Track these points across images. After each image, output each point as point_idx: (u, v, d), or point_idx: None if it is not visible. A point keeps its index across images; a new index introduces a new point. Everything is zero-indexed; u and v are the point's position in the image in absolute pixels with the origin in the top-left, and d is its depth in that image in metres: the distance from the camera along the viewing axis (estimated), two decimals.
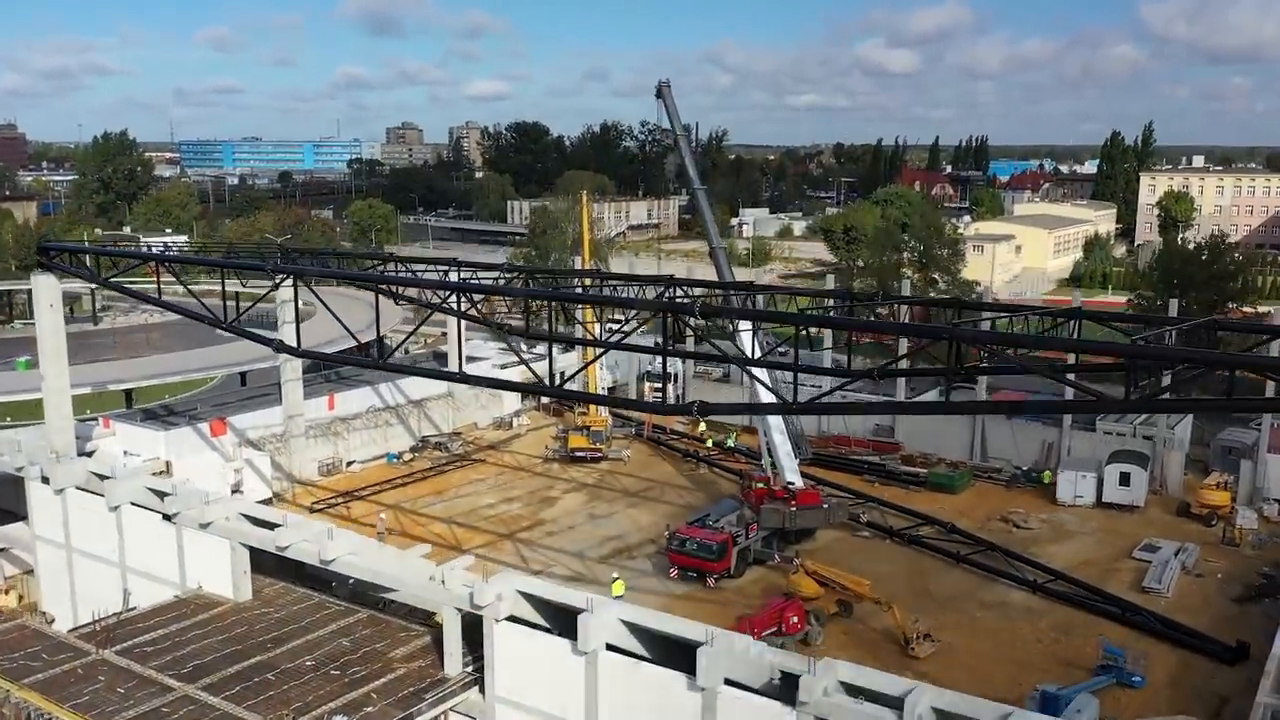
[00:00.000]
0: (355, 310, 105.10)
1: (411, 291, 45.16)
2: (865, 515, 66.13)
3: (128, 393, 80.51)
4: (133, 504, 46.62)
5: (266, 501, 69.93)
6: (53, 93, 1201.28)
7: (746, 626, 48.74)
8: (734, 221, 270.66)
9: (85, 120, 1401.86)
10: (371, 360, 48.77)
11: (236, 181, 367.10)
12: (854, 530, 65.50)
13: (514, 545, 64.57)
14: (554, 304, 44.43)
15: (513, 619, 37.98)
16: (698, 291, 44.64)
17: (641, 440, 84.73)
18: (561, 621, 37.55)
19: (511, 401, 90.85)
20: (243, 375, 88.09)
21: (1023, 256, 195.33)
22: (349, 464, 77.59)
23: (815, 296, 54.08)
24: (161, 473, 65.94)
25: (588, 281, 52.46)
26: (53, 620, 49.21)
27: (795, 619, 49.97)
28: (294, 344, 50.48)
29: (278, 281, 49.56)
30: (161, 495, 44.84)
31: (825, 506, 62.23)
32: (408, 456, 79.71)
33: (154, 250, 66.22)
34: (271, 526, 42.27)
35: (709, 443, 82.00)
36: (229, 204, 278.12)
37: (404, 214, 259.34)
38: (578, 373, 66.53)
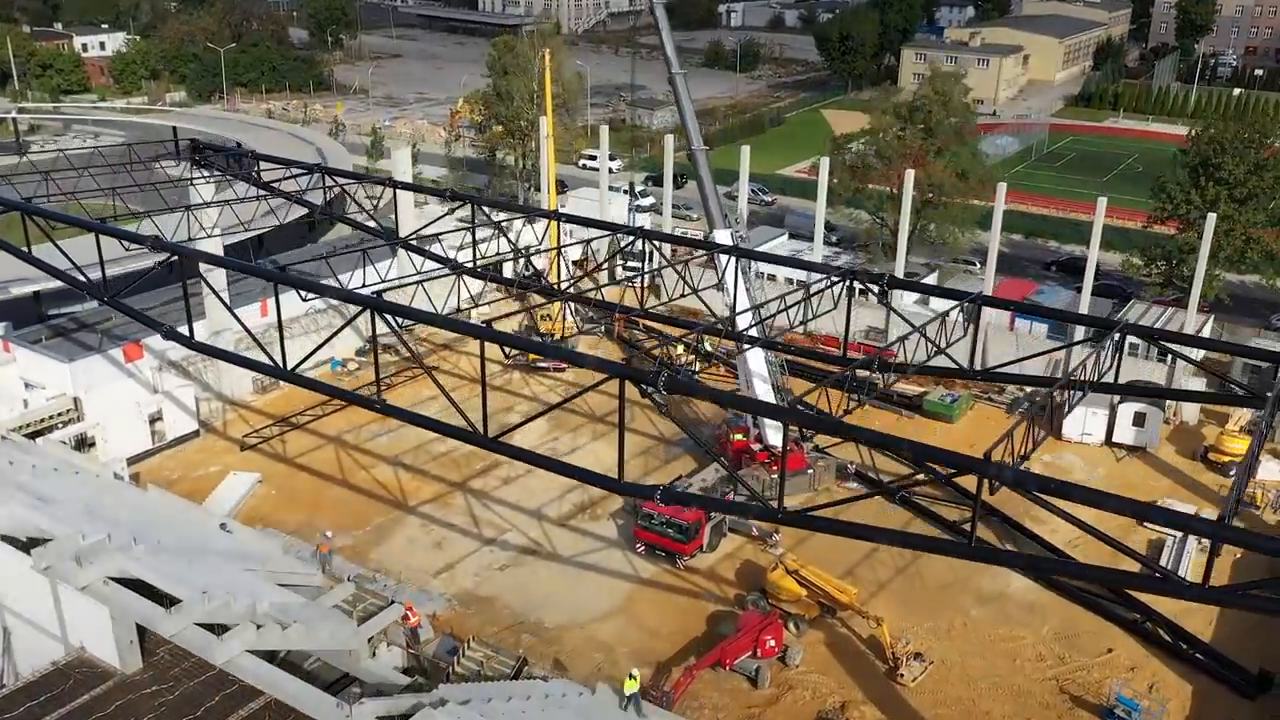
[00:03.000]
0: (296, 157, 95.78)
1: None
2: (854, 466, 60.05)
3: (37, 293, 71.98)
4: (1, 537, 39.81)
5: (193, 434, 63.55)
6: None
7: (717, 657, 43.51)
8: (721, 8, 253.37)
9: None
10: (279, 370, 40.88)
11: None
12: (841, 481, 59.61)
13: (465, 499, 58.54)
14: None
15: None
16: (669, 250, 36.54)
17: (612, 341, 77.65)
18: None
19: (472, 285, 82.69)
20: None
21: (1030, 68, 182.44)
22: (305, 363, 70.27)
23: (819, 271, 46.20)
24: (70, 411, 59.10)
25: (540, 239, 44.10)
26: None
27: (772, 641, 44.59)
28: (187, 332, 42.51)
29: (158, 263, 41.27)
30: (32, 544, 37.92)
31: (810, 471, 56.08)
32: (353, 365, 72.49)
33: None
34: (162, 598, 35.61)
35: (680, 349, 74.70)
36: None
37: None
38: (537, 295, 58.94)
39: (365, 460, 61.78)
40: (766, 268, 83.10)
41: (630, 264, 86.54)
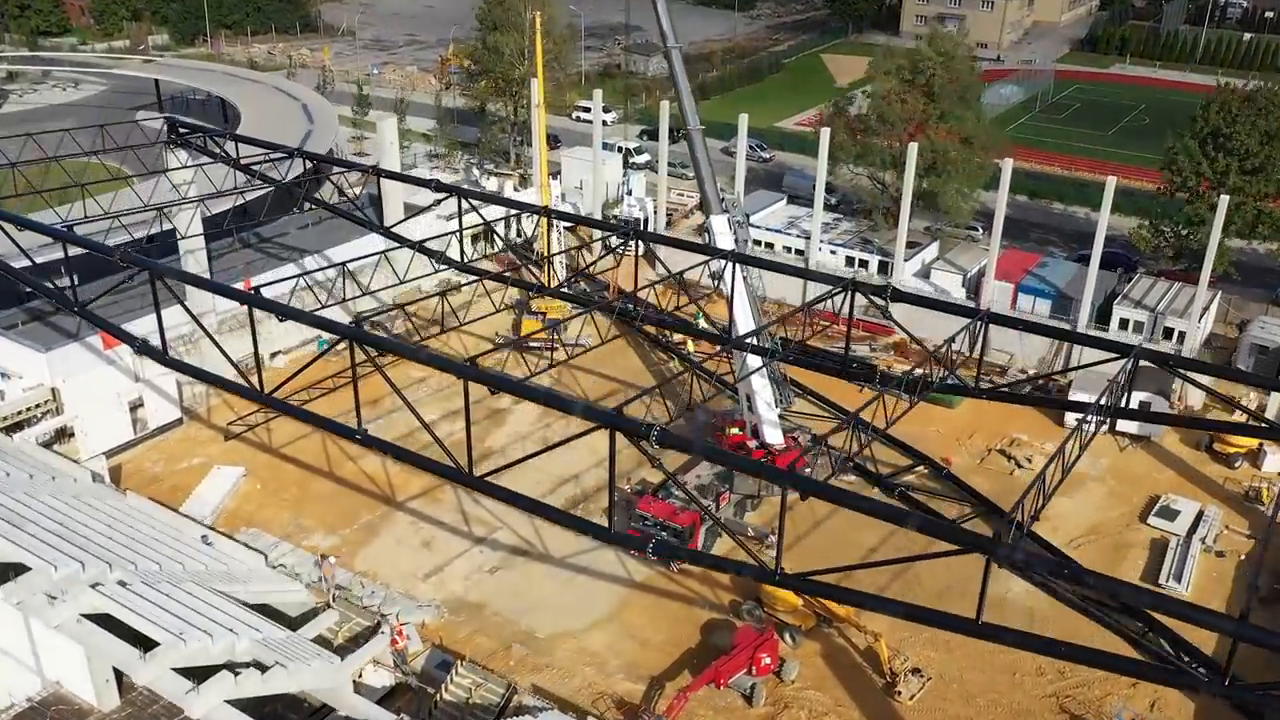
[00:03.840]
0: (281, 119, 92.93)
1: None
2: (850, 460, 58.61)
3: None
4: None
5: (176, 423, 62.04)
6: None
7: (711, 677, 42.59)
8: None
9: None
10: (255, 393, 39.24)
11: None
12: (839, 474, 58.28)
13: (455, 493, 57.27)
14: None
15: None
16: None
17: (606, 317, 75.71)
18: None
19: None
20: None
21: (1035, 9, 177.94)
22: (273, 356, 68.75)
23: (821, 281, 44.33)
24: (48, 402, 57.51)
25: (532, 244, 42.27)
26: None
27: (767, 659, 43.64)
28: (159, 346, 40.80)
29: (128, 275, 39.48)
30: (5, 570, 36.71)
31: (806, 470, 54.60)
32: (341, 345, 70.60)
33: None
34: (140, 641, 34.42)
35: (689, 345, 72.77)
36: None
37: None
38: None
39: (353, 449, 60.31)
40: (764, 233, 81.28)
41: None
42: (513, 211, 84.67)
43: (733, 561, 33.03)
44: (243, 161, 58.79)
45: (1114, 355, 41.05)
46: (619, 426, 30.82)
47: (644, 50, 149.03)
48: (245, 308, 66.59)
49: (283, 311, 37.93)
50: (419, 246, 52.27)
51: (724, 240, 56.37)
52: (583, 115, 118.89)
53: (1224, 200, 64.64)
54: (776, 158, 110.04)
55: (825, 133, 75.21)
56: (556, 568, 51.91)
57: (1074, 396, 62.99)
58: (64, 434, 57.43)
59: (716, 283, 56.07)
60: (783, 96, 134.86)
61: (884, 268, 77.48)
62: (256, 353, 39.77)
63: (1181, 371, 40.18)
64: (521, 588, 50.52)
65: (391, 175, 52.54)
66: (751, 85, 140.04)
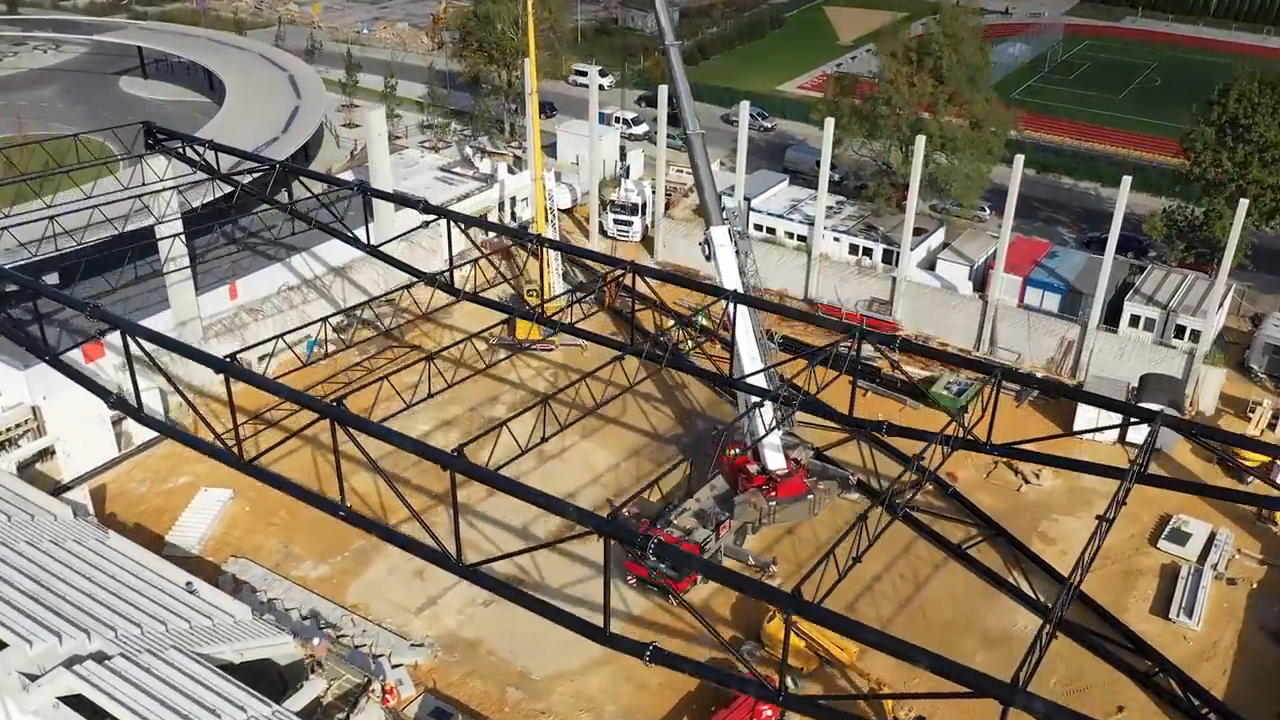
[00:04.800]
0: (267, 93, 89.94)
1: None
2: (855, 477, 57.22)
3: None
4: None
5: (161, 438, 60.34)
6: None
7: None
8: None
9: None
10: (236, 461, 37.57)
11: None
12: (841, 492, 56.93)
13: (448, 516, 55.72)
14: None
15: None
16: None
17: (603, 309, 73.90)
18: None
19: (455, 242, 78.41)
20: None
21: None
22: (262, 358, 66.70)
23: (826, 325, 42.27)
24: (29, 421, 55.92)
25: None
26: None
27: (769, 713, 42.53)
28: (134, 404, 39.07)
29: (98, 332, 37.65)
30: None
31: (810, 497, 53.29)
32: (332, 347, 68.68)
33: None
34: None
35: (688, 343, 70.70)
36: None
37: None
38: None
39: (343, 466, 58.71)
40: (765, 218, 78.69)
41: (620, 217, 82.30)
42: (507, 195, 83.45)
43: (733, 676, 31.52)
44: (231, 165, 56.41)
45: (1135, 420, 39.39)
46: (613, 535, 29.19)
47: (640, 4, 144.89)
48: (232, 310, 65.65)
49: (260, 384, 36.15)
50: (413, 270, 50.21)
51: (724, 253, 54.35)
52: (578, 79, 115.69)
53: (1243, 204, 62.34)
54: (779, 127, 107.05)
55: (829, 123, 72.57)
56: (552, 598, 50.46)
57: (1085, 406, 61.38)
58: (46, 453, 55.96)
59: (707, 254, 53.99)
60: (784, 56, 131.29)
61: (889, 257, 75.36)
62: (235, 420, 37.87)
63: (1205, 440, 38.33)
64: (516, 622, 49.09)
65: (378, 194, 50.26)
66: (752, 43, 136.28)
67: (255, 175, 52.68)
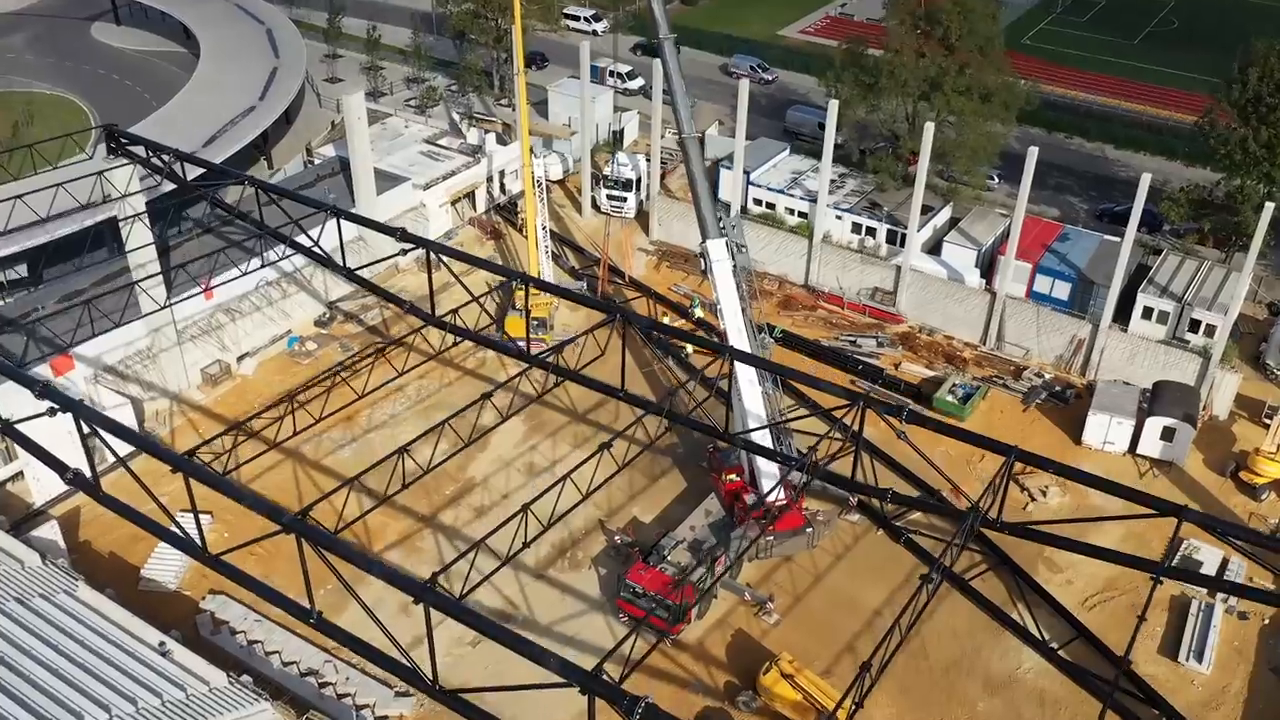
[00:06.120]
0: (243, 52, 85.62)
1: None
2: (854, 499, 55.20)
3: None
4: None
5: (137, 452, 57.90)
6: None
7: None
8: None
9: None
10: (199, 553, 35.40)
11: None
12: (842, 513, 55.06)
13: (435, 540, 54.18)
14: None
15: None
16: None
17: (597, 298, 71.12)
18: None
19: (439, 220, 75.44)
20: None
21: None
22: (241, 358, 64.41)
23: (832, 393, 39.66)
24: None
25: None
26: None
27: None
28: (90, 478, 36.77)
29: (51, 408, 35.29)
30: None
31: (808, 530, 51.35)
32: (311, 344, 66.13)
33: None
34: None
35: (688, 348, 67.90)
36: None
37: None
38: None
39: (326, 481, 56.82)
40: (764, 193, 75.18)
41: (614, 193, 79.00)
42: (496, 169, 79.91)
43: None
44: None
45: (1156, 512, 37.32)
46: (596, 692, 27.19)
47: None
48: (207, 312, 62.88)
49: (216, 485, 33.83)
50: (394, 299, 47.51)
51: (721, 269, 51.64)
52: (571, 24, 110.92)
53: (1269, 208, 59.16)
54: (779, 79, 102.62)
55: (833, 105, 68.83)
56: (542, 638, 48.98)
57: (1095, 414, 59.25)
58: (16, 475, 53.95)
59: (704, 265, 51.82)
60: None
61: (893, 237, 72.33)
62: (197, 519, 35.64)
63: (1232, 541, 36.14)
64: (506, 664, 47.23)
65: (354, 219, 47.12)
66: None
67: (224, 185, 49.58)
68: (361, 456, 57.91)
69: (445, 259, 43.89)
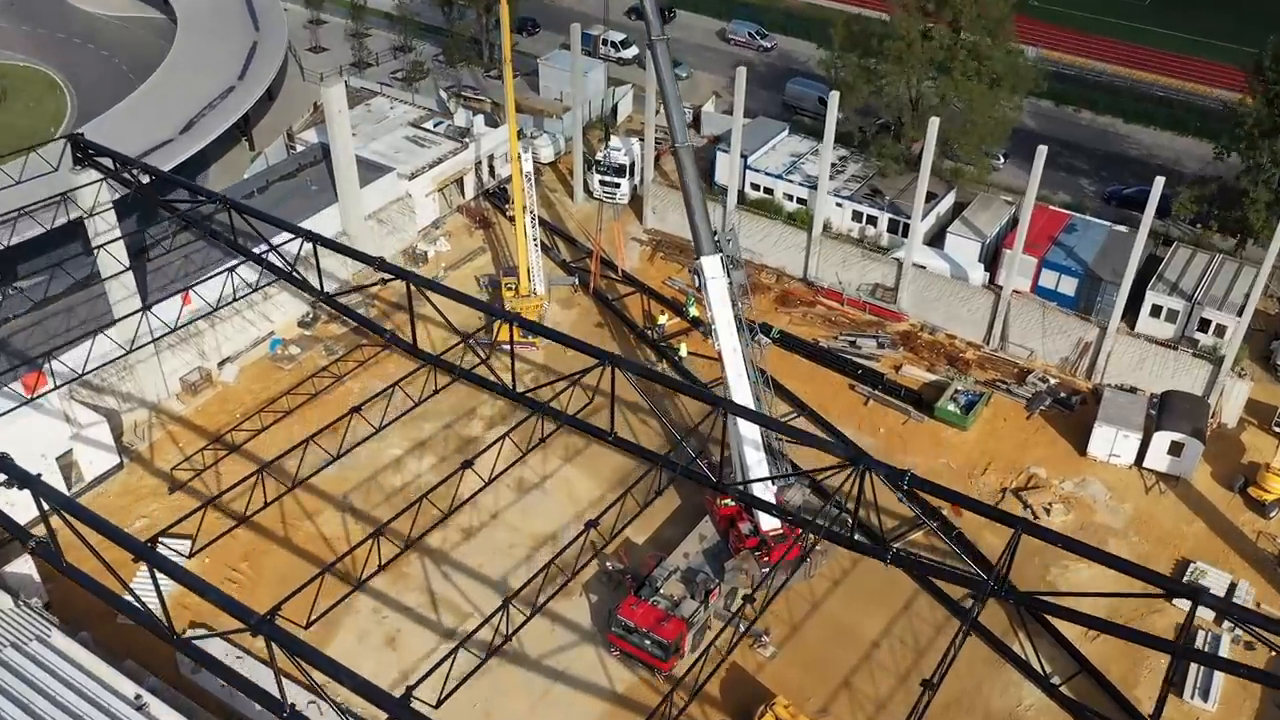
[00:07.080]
0: (221, 26, 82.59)
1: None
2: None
3: None
4: None
5: (116, 468, 56.52)
6: None
7: None
8: None
9: None
10: (167, 636, 33.88)
11: None
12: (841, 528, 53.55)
13: (423, 566, 52.75)
14: None
15: None
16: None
17: (586, 293, 69.08)
18: None
19: (426, 209, 73.06)
20: None
21: None
22: (222, 364, 62.50)
23: (827, 451, 37.80)
24: None
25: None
26: None
27: None
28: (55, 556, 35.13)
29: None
30: None
31: (806, 560, 49.86)
32: (294, 349, 64.11)
33: None
34: None
35: (681, 350, 65.99)
36: None
37: None
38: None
39: (310, 503, 55.35)
40: (762, 178, 72.51)
41: (607, 179, 76.49)
42: (485, 153, 77.20)
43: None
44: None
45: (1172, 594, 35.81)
46: None
47: None
48: (186, 317, 60.77)
49: (186, 583, 32.23)
50: (377, 328, 45.55)
51: (715, 286, 49.63)
52: None
53: None
54: (779, 45, 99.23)
55: (834, 96, 66.02)
56: (532, 672, 47.97)
57: (1101, 426, 57.51)
58: None
59: (697, 281, 50.14)
60: None
61: (894, 226, 70.09)
62: (166, 612, 34.06)
63: (1249, 628, 34.39)
64: (495, 702, 46.69)
65: (330, 245, 44.84)
66: None
67: (194, 203, 47.36)
68: (347, 472, 56.28)
69: (429, 288, 42.00)
